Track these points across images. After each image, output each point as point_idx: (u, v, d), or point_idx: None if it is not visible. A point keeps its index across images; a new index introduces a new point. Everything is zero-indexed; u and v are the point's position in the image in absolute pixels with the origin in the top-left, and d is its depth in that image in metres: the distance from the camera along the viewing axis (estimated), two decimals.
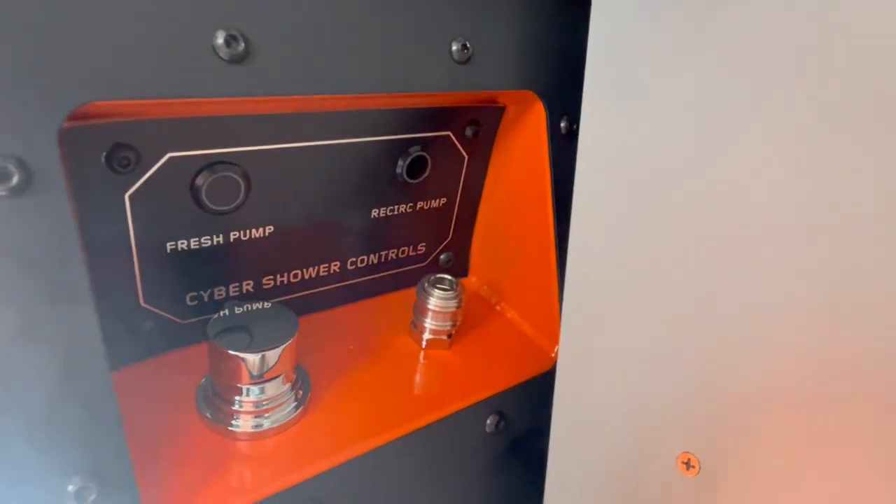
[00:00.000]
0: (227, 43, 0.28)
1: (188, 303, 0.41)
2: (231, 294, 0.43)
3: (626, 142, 0.32)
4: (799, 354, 0.27)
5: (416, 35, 0.36)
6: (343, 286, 0.51)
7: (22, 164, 0.23)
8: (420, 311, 0.48)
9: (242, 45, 0.29)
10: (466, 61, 0.38)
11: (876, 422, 0.25)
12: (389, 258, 0.53)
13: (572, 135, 0.46)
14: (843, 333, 0.25)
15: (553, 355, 0.51)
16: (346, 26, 0.33)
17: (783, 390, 0.28)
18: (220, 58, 0.28)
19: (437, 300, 0.46)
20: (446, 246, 0.56)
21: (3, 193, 0.23)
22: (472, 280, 0.59)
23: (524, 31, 0.41)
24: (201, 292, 0.42)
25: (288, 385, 0.38)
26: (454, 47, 0.38)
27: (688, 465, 0.33)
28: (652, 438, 0.35)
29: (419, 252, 0.54)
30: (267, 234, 0.43)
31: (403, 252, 0.53)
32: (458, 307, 0.47)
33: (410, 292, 0.52)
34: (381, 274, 0.53)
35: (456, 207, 0.54)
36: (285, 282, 0.46)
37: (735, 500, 0.31)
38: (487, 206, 0.55)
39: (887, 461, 0.25)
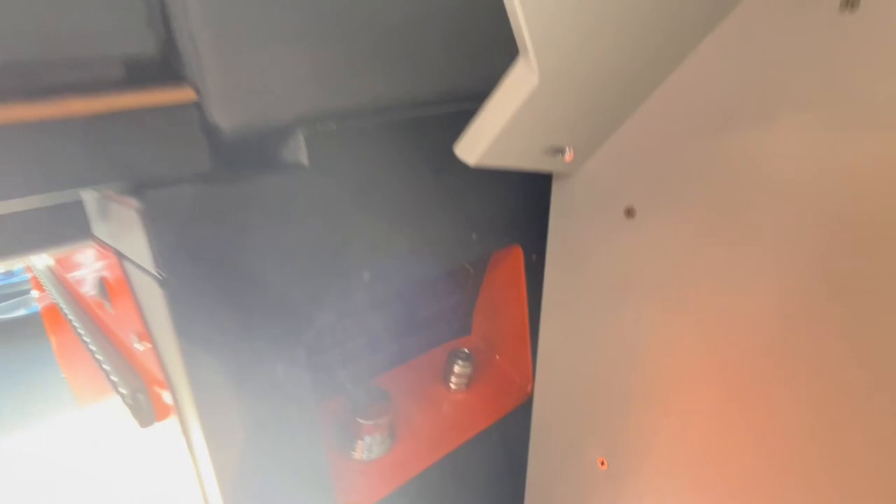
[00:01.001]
0: None
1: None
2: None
3: (575, 272, 0.62)
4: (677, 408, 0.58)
5: (456, 231, 0.64)
6: (397, 352, 0.80)
7: None
8: (448, 371, 0.77)
9: None
10: (479, 241, 0.67)
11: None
12: (429, 332, 0.82)
13: (540, 260, 0.75)
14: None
15: (529, 390, 0.82)
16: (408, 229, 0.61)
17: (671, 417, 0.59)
18: None
19: (459, 367, 0.76)
20: (462, 321, 0.86)
21: None
22: (473, 337, 0.89)
23: (517, 216, 0.70)
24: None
25: (388, 431, 0.67)
26: (474, 236, 0.66)
27: (602, 464, 0.64)
28: (581, 443, 0.66)
29: (444, 326, 0.84)
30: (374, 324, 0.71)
31: (437, 327, 0.83)
32: (471, 370, 0.77)
33: (438, 351, 0.81)
34: (422, 341, 0.82)
35: (463, 301, 0.83)
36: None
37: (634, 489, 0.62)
38: (484, 298, 0.85)
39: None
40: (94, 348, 0.65)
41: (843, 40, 0.39)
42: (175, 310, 0.42)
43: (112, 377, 0.59)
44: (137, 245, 0.42)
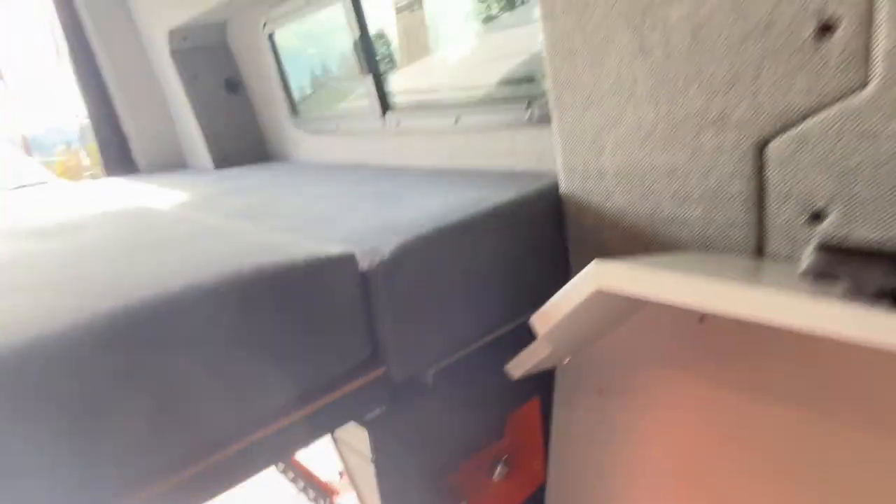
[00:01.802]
0: None
1: None
2: None
3: (588, 427, 1.03)
4: None
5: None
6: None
7: None
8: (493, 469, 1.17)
9: None
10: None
11: None
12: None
13: (548, 415, 1.16)
14: None
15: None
16: None
17: None
18: None
19: (497, 473, 1.16)
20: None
21: None
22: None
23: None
24: None
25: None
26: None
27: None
28: None
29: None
30: None
31: None
32: (508, 470, 1.17)
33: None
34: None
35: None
36: None
37: None
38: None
39: None
40: None
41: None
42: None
43: None
44: (361, 445, 0.83)
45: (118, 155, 2.40)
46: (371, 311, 0.79)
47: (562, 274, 1.04)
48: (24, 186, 6.03)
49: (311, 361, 0.74)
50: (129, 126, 2.36)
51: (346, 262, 0.76)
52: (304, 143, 2.05)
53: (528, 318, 0.98)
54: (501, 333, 0.97)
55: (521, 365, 0.89)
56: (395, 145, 1.60)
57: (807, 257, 0.59)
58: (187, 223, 1.03)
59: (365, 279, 0.78)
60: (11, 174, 5.99)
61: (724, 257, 0.79)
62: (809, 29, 0.64)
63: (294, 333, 0.72)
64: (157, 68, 2.26)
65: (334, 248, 0.77)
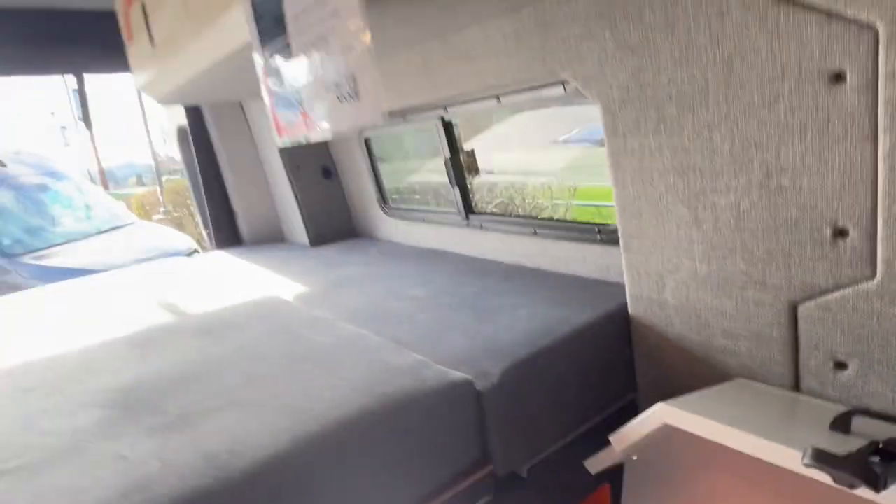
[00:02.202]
0: None
1: None
2: None
3: None
4: None
5: None
6: None
7: None
8: None
9: None
10: None
11: None
12: None
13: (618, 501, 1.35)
14: None
15: None
16: None
17: None
18: None
19: None
20: None
21: None
22: None
23: None
24: None
25: None
26: None
27: None
28: None
29: None
30: None
31: None
32: None
33: None
34: None
35: None
36: None
37: None
38: None
39: None
40: None
41: None
42: None
43: None
44: None
45: (227, 228, 2.78)
46: (483, 421, 1.03)
47: (630, 381, 1.25)
48: (116, 228, 6.62)
49: (431, 466, 0.98)
50: (237, 205, 2.73)
51: (466, 385, 1.00)
52: (391, 225, 2.34)
53: (602, 417, 1.19)
54: (580, 433, 1.18)
55: (598, 464, 1.10)
56: (477, 239, 1.86)
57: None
58: (323, 329, 1.31)
59: (479, 396, 1.02)
60: (105, 217, 6.59)
61: (767, 393, 0.98)
62: (827, 232, 0.85)
63: (420, 444, 0.96)
64: (264, 157, 2.63)
65: (457, 374, 1.01)
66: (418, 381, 1.00)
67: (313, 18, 0.87)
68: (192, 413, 0.96)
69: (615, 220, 1.17)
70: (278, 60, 1.01)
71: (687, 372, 1.13)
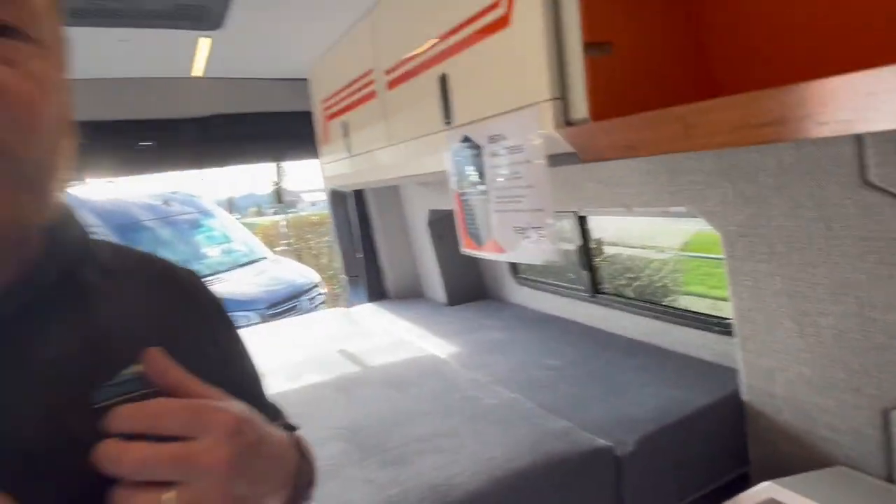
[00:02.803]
0: None
1: None
2: None
3: None
4: None
5: None
6: None
7: None
8: None
9: None
10: None
11: None
12: None
13: None
14: None
15: None
16: None
17: None
18: None
19: None
20: None
21: None
22: None
23: None
24: None
25: None
26: None
27: None
28: None
29: None
30: None
31: None
32: None
33: None
34: None
35: None
36: None
37: None
38: None
39: None
40: None
41: None
42: None
43: None
44: None
45: (375, 283, 3.27)
46: (619, 481, 1.32)
47: (743, 457, 1.48)
48: (252, 262, 7.44)
49: None
50: (384, 263, 3.22)
51: (607, 451, 1.31)
52: (519, 291, 2.69)
53: (717, 485, 1.44)
54: (697, 497, 1.43)
55: None
56: (602, 314, 2.15)
57: None
58: (484, 391, 1.66)
59: (617, 460, 1.32)
60: (244, 251, 7.44)
61: (864, 482, 1.20)
62: None
63: (569, 495, 1.27)
64: (410, 225, 3.10)
65: (600, 441, 1.32)
66: (569, 444, 1.32)
67: (510, 182, 1.25)
68: (407, 452, 1.34)
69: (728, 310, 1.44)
70: (473, 199, 1.41)
71: (794, 454, 1.36)
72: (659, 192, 1.51)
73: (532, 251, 1.23)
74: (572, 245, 2.15)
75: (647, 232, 3.08)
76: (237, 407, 0.42)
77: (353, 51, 2.02)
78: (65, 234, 0.45)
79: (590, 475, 1.29)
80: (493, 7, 1.21)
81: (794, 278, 1.24)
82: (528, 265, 2.66)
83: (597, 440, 1.33)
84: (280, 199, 3.64)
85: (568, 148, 1.11)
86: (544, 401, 1.59)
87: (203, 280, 0.58)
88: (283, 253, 9.61)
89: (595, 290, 2.15)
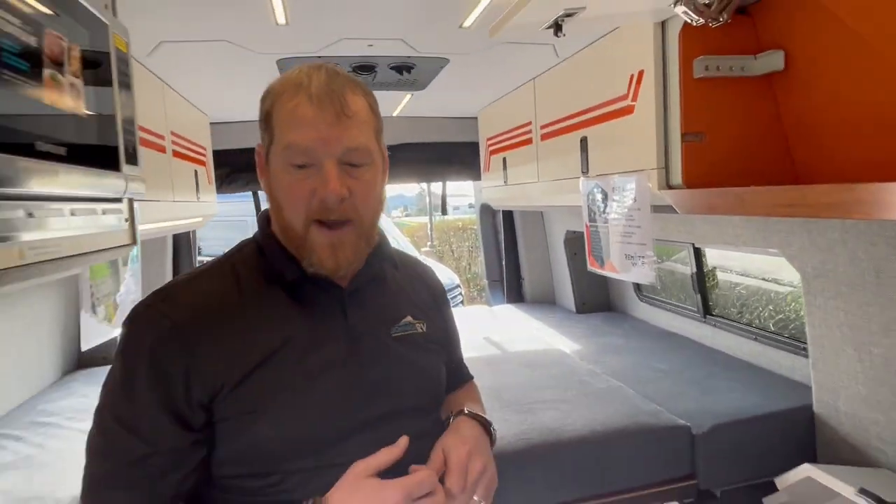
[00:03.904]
0: None
1: None
2: None
3: None
4: None
5: None
6: None
7: None
8: None
9: None
10: None
11: None
12: None
13: None
14: None
15: None
16: None
17: None
18: None
19: None
20: None
21: None
22: None
23: None
24: None
25: None
26: None
27: None
28: None
29: None
30: None
31: None
32: None
33: None
34: None
35: None
36: None
37: None
38: None
39: None
40: None
41: None
42: None
43: None
44: None
45: (515, 288, 3.83)
46: (694, 455, 1.73)
47: (813, 454, 1.78)
48: None
49: (658, 468, 1.71)
50: (525, 272, 3.77)
51: (685, 428, 1.73)
52: (640, 306, 3.08)
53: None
54: (762, 482, 1.78)
55: (776, 499, 1.69)
56: (710, 333, 2.49)
57: None
58: (596, 379, 2.14)
59: (692, 437, 1.72)
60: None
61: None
62: None
63: (654, 454, 1.71)
64: (549, 242, 3.61)
65: (681, 421, 1.74)
66: (656, 419, 1.76)
67: (625, 221, 1.73)
68: (533, 407, 1.88)
69: None
70: (598, 229, 1.91)
71: (853, 460, 1.65)
72: (755, 235, 1.87)
73: (637, 274, 1.70)
74: (687, 269, 2.52)
75: (774, 265, 3.27)
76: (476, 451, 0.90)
77: (517, 104, 2.60)
78: (380, 248, 1.00)
79: (669, 445, 1.72)
80: (623, 98, 1.70)
81: (854, 313, 1.56)
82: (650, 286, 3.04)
83: (678, 420, 1.75)
84: (444, 208, 4.28)
85: (668, 202, 1.57)
86: (645, 391, 2.02)
87: (432, 270, 1.16)
88: (426, 254, 10.43)
89: (707, 311, 2.50)
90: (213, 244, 5.53)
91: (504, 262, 3.86)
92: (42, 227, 0.84)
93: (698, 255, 2.45)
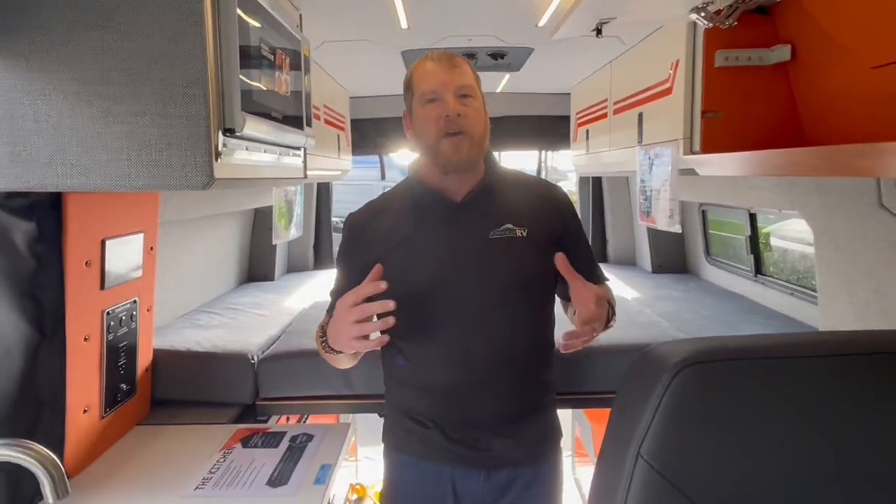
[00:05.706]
0: None
1: None
2: None
3: None
4: None
5: None
6: None
7: None
8: None
9: None
10: None
11: None
12: None
13: None
14: None
15: None
16: None
17: None
18: None
19: None
20: None
21: None
22: None
23: None
24: None
25: None
26: None
27: None
28: None
29: None
30: None
31: None
32: None
33: None
34: None
35: None
36: None
37: None
38: None
39: None
40: None
41: None
42: None
43: None
44: None
45: (599, 248, 4.25)
46: None
47: None
48: None
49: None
50: (610, 235, 4.17)
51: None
52: (709, 269, 3.39)
53: None
54: None
55: None
56: (760, 290, 2.80)
57: None
58: (641, 315, 2.58)
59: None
60: None
61: None
62: None
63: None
64: (633, 207, 3.98)
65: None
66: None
67: (662, 182, 2.16)
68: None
69: None
70: (646, 189, 2.34)
71: None
72: (785, 195, 2.20)
73: (670, 224, 2.13)
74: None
75: None
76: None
77: (599, 83, 3.02)
78: (488, 164, 1.55)
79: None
80: (666, 81, 2.11)
81: (850, 262, 1.89)
82: (720, 248, 3.34)
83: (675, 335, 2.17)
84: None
85: (691, 165, 1.98)
86: (680, 326, 2.44)
87: (558, 188, 1.70)
88: None
89: (758, 271, 2.80)
90: (342, 206, 6.46)
91: (591, 225, 4.28)
92: (267, 159, 1.53)
93: (753, 220, 2.76)
